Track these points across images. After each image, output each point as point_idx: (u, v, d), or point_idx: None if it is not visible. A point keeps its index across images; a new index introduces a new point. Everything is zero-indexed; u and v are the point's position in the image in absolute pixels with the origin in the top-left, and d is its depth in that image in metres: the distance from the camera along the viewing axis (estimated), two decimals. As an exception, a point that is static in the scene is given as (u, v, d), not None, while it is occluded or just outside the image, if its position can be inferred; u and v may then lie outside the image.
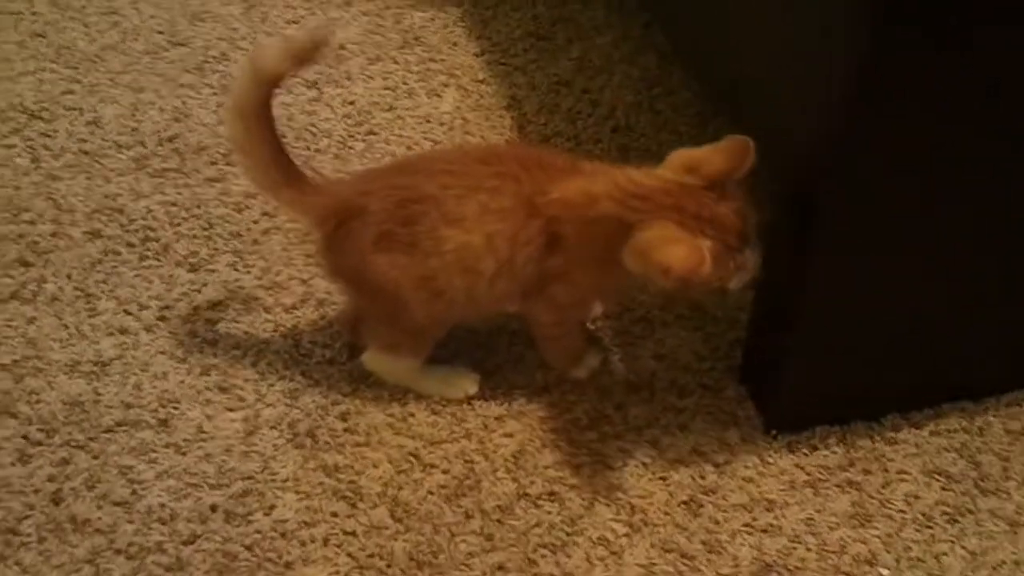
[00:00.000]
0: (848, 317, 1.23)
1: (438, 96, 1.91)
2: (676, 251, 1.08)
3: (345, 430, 1.33)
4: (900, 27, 0.98)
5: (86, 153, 1.78)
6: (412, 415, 1.35)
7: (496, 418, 1.35)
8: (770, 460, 1.30)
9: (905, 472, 1.30)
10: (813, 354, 1.28)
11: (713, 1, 1.45)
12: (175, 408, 1.35)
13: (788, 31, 1.18)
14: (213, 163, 1.75)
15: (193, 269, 1.56)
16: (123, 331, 1.46)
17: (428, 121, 1.85)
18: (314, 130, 1.83)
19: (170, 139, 1.80)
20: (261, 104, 1.24)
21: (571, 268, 1.23)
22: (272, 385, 1.38)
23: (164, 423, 1.34)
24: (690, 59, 1.73)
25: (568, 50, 2.00)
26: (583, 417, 1.35)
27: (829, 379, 1.31)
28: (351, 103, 1.89)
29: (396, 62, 1.99)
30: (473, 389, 1.37)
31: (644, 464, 1.29)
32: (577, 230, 1.20)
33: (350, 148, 1.79)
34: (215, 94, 1.91)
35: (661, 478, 1.28)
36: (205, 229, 1.63)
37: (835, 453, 1.32)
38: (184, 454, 1.30)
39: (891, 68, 1.00)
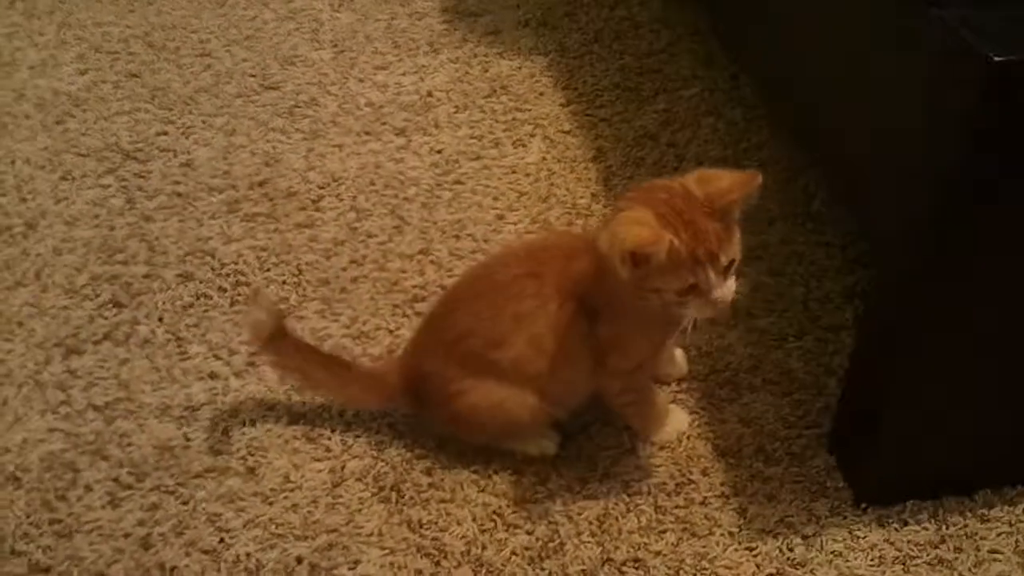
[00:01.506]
0: (942, 390, 1.20)
1: (524, 146, 1.92)
2: (636, 229, 1.09)
3: (430, 485, 1.33)
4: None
5: (179, 195, 1.81)
6: (496, 472, 1.35)
7: (580, 479, 1.34)
8: (859, 534, 1.28)
9: (998, 552, 1.27)
10: (906, 427, 1.25)
11: (811, 61, 1.44)
12: (263, 456, 1.37)
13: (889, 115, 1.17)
14: (302, 208, 1.78)
15: (282, 316, 1.57)
16: (213, 376, 1.48)
17: (514, 172, 1.85)
18: (402, 178, 1.84)
19: (261, 183, 1.83)
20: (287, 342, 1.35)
21: (616, 330, 1.26)
22: (358, 436, 1.39)
23: (252, 471, 1.35)
24: (780, 114, 1.73)
25: (654, 102, 2.00)
26: (668, 482, 1.34)
27: (921, 452, 1.28)
28: (438, 152, 1.91)
29: (483, 111, 2.01)
30: (552, 450, 1.37)
31: (731, 533, 1.28)
32: (604, 290, 1.22)
33: (437, 197, 1.81)
34: (305, 139, 1.94)
35: (748, 548, 1.26)
36: (294, 275, 1.65)
37: (926, 529, 1.29)
38: (271, 504, 1.31)
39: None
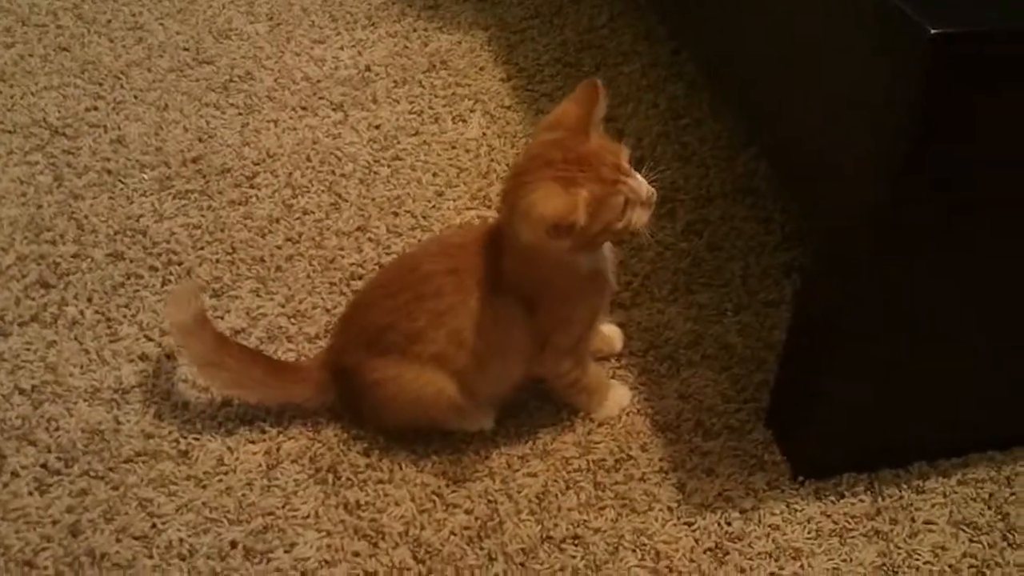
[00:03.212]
0: (878, 365, 1.21)
1: (464, 122, 1.89)
2: (551, 202, 1.10)
3: (367, 466, 1.31)
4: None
5: (109, 172, 1.77)
6: (435, 452, 1.33)
7: (520, 457, 1.33)
8: (797, 507, 1.28)
9: (932, 522, 1.28)
10: (842, 400, 1.25)
11: (751, 35, 1.43)
12: (196, 439, 1.34)
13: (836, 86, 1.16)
14: (237, 185, 1.74)
15: (216, 295, 1.55)
16: (144, 358, 1.44)
17: (454, 147, 1.83)
18: (339, 154, 1.81)
19: (194, 160, 1.79)
20: (207, 334, 1.31)
21: (556, 308, 1.26)
22: (294, 417, 1.37)
23: (184, 454, 1.32)
24: (721, 90, 1.72)
25: (595, 77, 1.98)
26: (608, 458, 1.33)
27: (858, 426, 1.29)
28: (377, 127, 1.88)
29: (422, 86, 1.98)
30: (489, 424, 1.36)
31: (670, 508, 1.27)
32: (535, 275, 1.22)
33: (375, 173, 1.78)
34: (239, 114, 1.90)
35: (687, 523, 1.26)
36: (228, 253, 1.61)
37: (862, 501, 1.29)
38: (204, 487, 1.29)
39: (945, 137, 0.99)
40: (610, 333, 1.47)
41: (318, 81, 1.99)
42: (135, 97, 1.95)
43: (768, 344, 1.48)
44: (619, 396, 1.39)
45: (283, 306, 1.53)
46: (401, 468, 1.31)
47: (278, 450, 1.33)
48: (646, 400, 1.41)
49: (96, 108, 1.92)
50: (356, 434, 1.35)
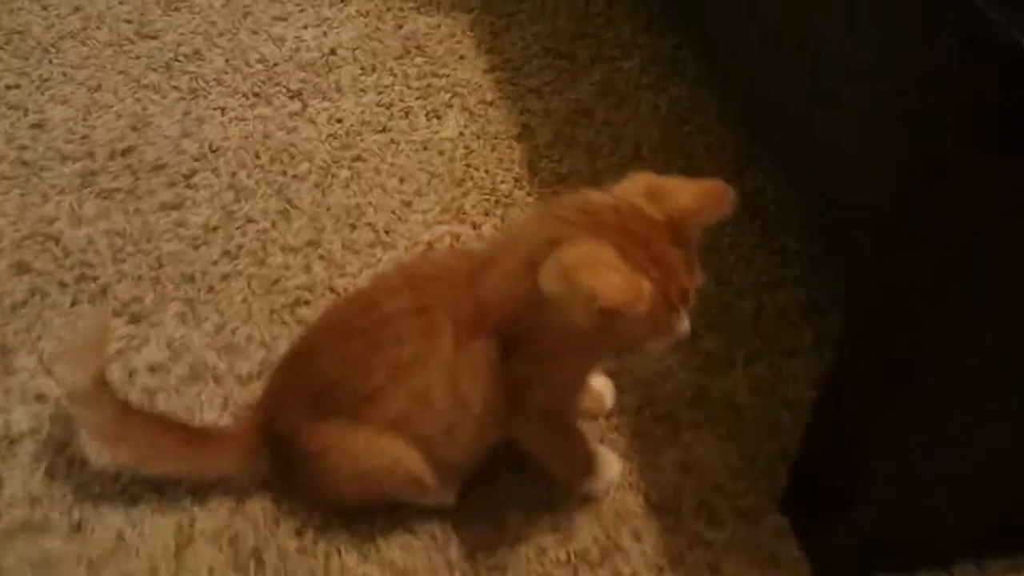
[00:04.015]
0: (932, 440, 0.98)
1: (439, 118, 1.65)
2: (610, 278, 0.88)
3: (298, 551, 1.08)
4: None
5: (24, 163, 1.53)
6: (382, 535, 1.10)
7: (485, 545, 1.10)
8: (817, 617, 1.06)
9: (979, 637, 1.06)
10: (883, 485, 1.03)
11: (771, 26, 1.20)
12: (93, 507, 1.11)
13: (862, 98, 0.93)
14: (171, 185, 1.50)
15: (134, 320, 1.31)
16: (40, 398, 1.21)
17: (426, 148, 1.59)
18: (294, 151, 1.57)
19: (124, 152, 1.55)
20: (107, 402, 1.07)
21: (540, 362, 1.02)
22: (215, 484, 1.13)
23: (77, 528, 1.09)
24: (730, 93, 1.49)
25: (590, 72, 1.75)
26: (592, 548, 1.10)
27: (898, 517, 1.06)
28: (339, 120, 1.64)
29: (393, 74, 1.74)
30: (450, 500, 1.13)
31: (665, 616, 1.05)
32: (527, 314, 0.98)
33: (333, 176, 1.54)
34: (182, 99, 1.66)
35: (684, 637, 1.04)
36: (153, 269, 1.38)
37: (897, 611, 1.07)
38: (97, 572, 1.05)
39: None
40: (600, 387, 1.24)
41: (275, 64, 1.75)
42: (64, 75, 1.70)
43: (785, 403, 1.26)
44: (608, 467, 1.16)
45: (212, 336, 1.29)
46: (340, 555, 1.08)
47: (191, 526, 1.10)
48: (640, 472, 1.18)
49: (18, 86, 1.67)
50: (288, 509, 1.12)
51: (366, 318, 1.05)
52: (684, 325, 0.98)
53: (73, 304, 1.33)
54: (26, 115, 1.61)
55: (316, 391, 1.05)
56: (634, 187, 0.99)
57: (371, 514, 1.11)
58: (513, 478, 1.16)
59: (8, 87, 1.66)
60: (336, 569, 1.07)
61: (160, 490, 1.12)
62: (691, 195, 0.96)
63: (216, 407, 1.22)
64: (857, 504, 1.05)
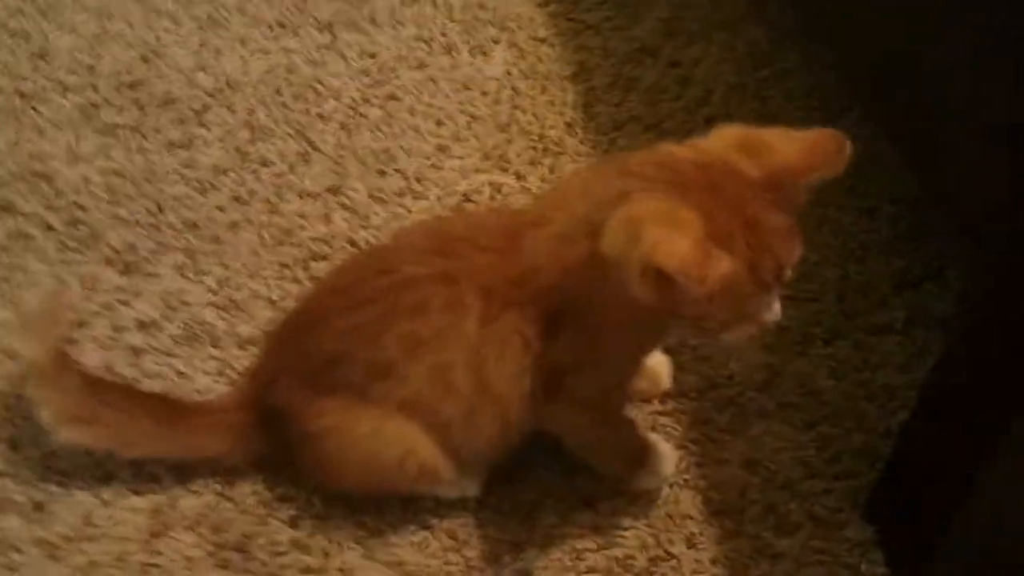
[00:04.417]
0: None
1: (484, 55, 1.47)
2: (676, 241, 0.72)
3: (292, 544, 0.93)
4: None
5: (22, 95, 1.38)
6: (392, 529, 0.94)
7: (512, 543, 0.95)
8: (907, 650, 0.88)
9: None
10: (1000, 497, 0.84)
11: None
12: (60, 484, 0.96)
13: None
14: (180, 122, 1.35)
15: (126, 271, 1.17)
16: (10, 354, 1.06)
17: (468, 88, 1.42)
18: (319, 88, 1.41)
19: (131, 85, 1.39)
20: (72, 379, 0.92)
21: (592, 345, 0.86)
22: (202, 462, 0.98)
23: (39, 507, 0.95)
24: (816, 30, 1.30)
25: (655, 8, 1.55)
26: (638, 555, 0.94)
27: (1003, 536, 0.87)
28: (372, 56, 1.47)
29: (435, 5, 1.56)
30: (473, 491, 0.98)
31: (722, 642, 0.88)
32: (579, 285, 0.83)
33: (362, 116, 1.37)
34: (200, 29, 1.50)
35: (746, 667, 0.87)
36: (152, 214, 1.23)
37: (1004, 645, 0.89)
38: (56, 560, 0.91)
39: None
40: (655, 365, 1.07)
41: (305, -8, 1.57)
42: (74, 1, 1.54)
43: (871, 392, 1.08)
44: (661, 461, 0.99)
45: (214, 292, 1.14)
46: (342, 551, 0.93)
47: (172, 508, 0.95)
48: (698, 467, 1.01)
49: (21, 12, 1.52)
50: (283, 493, 0.97)
51: (382, 282, 0.89)
52: (774, 310, 0.81)
53: (60, 250, 1.18)
54: (28, 43, 1.46)
55: (319, 362, 0.90)
56: (723, 140, 0.81)
57: (380, 504, 0.96)
58: (548, 468, 1.00)
59: (11, 13, 1.51)
60: (335, 568, 0.92)
61: (138, 466, 0.98)
62: (796, 148, 0.79)
63: (211, 372, 1.08)
64: (967, 524, 0.86)
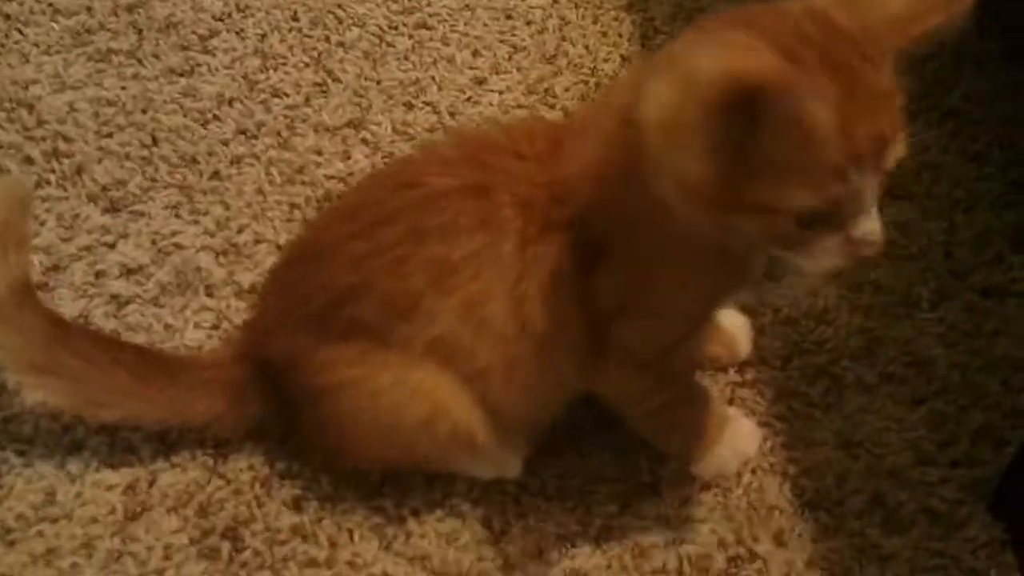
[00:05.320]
0: None
1: (528, -19, 1.30)
2: (754, 54, 0.57)
3: (294, 531, 0.77)
4: None
5: (6, 16, 1.22)
6: (415, 516, 0.78)
7: (560, 536, 0.78)
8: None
9: None
10: None
11: None
12: (21, 452, 0.81)
13: None
14: (183, 48, 1.18)
15: (113, 208, 1.01)
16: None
17: (509, 17, 1.25)
18: (341, 14, 1.24)
19: (129, 8, 1.23)
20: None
21: (642, 279, 0.71)
22: (187, 432, 0.81)
23: (-7, 479, 0.79)
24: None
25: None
26: (715, 554, 0.78)
27: None
28: (402, -22, 1.29)
29: (474, -70, 1.38)
30: (514, 471, 0.81)
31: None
32: (623, 194, 0.67)
33: (389, 45, 1.21)
34: (213, -54, 1.33)
35: None
36: (145, 147, 1.07)
37: None
38: (10, 545, 0.75)
39: None
40: (731, 327, 0.90)
41: (330, -88, 1.40)
42: (72, -81, 1.38)
43: (990, 363, 0.92)
44: (740, 440, 0.82)
45: (211, 235, 0.98)
46: (352, 540, 0.77)
47: (150, 486, 0.80)
48: (785, 449, 0.84)
49: (13, -70, 1.35)
50: (284, 469, 0.81)
51: (403, 198, 0.73)
52: (871, 222, 0.62)
53: (38, 185, 1.02)
54: (19, -38, 1.30)
55: (327, 301, 0.74)
56: None
57: (401, 483, 0.80)
58: (603, 446, 0.83)
59: (2, -69, 1.36)
60: (344, 561, 0.75)
61: (111, 433, 0.82)
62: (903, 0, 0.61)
63: (204, 325, 0.92)
64: None
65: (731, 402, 0.87)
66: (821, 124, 0.56)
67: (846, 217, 0.60)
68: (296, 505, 0.79)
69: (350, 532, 0.77)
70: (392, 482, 0.80)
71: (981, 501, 0.81)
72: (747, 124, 0.54)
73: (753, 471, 0.82)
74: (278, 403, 0.78)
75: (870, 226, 0.62)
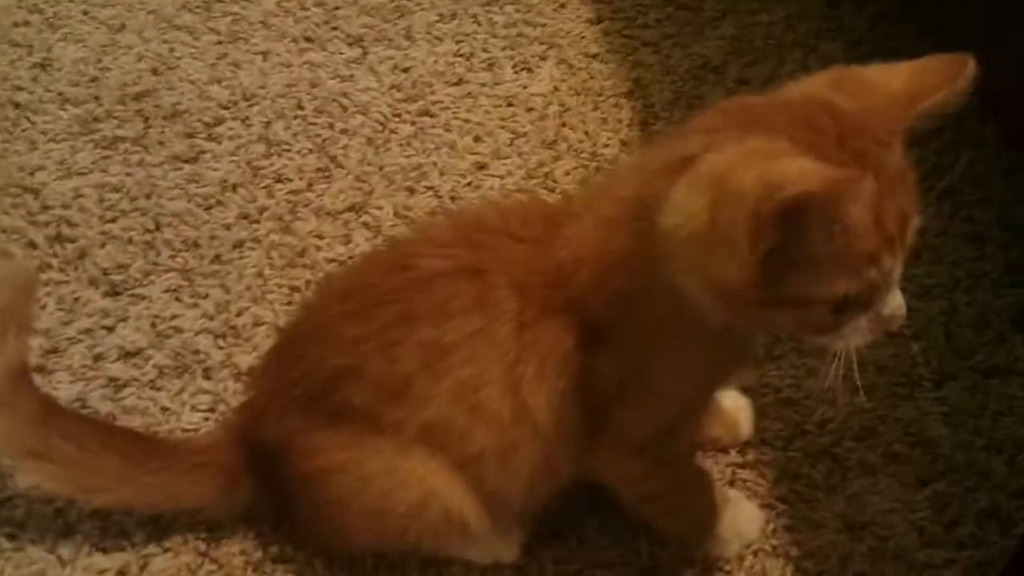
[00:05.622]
0: None
1: (529, 71, 1.33)
2: (795, 164, 0.56)
3: (287, 616, 0.75)
4: None
5: (17, 105, 1.25)
6: (408, 600, 0.76)
7: (558, 622, 0.75)
8: None
9: None
10: None
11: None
12: (9, 538, 0.80)
13: None
14: (188, 135, 1.20)
15: (114, 292, 1.02)
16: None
17: (511, 104, 1.26)
18: (345, 102, 1.26)
19: (137, 97, 1.25)
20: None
21: (637, 364, 0.69)
22: (178, 517, 0.81)
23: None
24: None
25: (719, 26, 1.40)
26: (716, 641, 0.74)
27: None
28: (405, 70, 1.32)
29: (477, 22, 1.41)
30: (510, 556, 0.80)
31: None
32: (627, 281, 0.67)
33: (392, 132, 1.22)
34: (218, 43, 1.36)
35: None
36: (148, 231, 1.08)
37: None
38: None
39: None
40: (733, 408, 0.89)
41: (336, 8, 1.44)
42: (84, 13, 1.42)
43: (994, 443, 0.91)
44: (742, 522, 0.81)
45: (211, 318, 0.99)
46: (345, 629, 0.74)
47: (141, 570, 0.80)
48: (788, 531, 0.83)
49: (27, 23, 1.39)
50: (277, 554, 0.79)
51: (397, 280, 0.73)
52: (897, 300, 0.62)
53: (40, 269, 1.03)
54: (30, 54, 1.33)
55: (319, 383, 0.73)
56: (808, 83, 0.64)
57: (396, 567, 0.79)
58: (601, 530, 0.82)
59: (16, 24, 1.39)
60: (337, 650, 0.73)
61: (104, 518, 0.81)
62: (903, 77, 0.62)
63: (201, 408, 0.92)
64: None
65: (732, 484, 0.85)
66: (861, 218, 0.56)
67: (876, 297, 0.61)
68: (288, 589, 0.78)
69: (343, 619, 0.76)
70: (386, 566, 0.79)
71: (988, 583, 0.80)
72: (791, 230, 0.54)
73: (755, 553, 0.81)
74: (271, 486, 0.77)
75: (896, 302, 0.62)
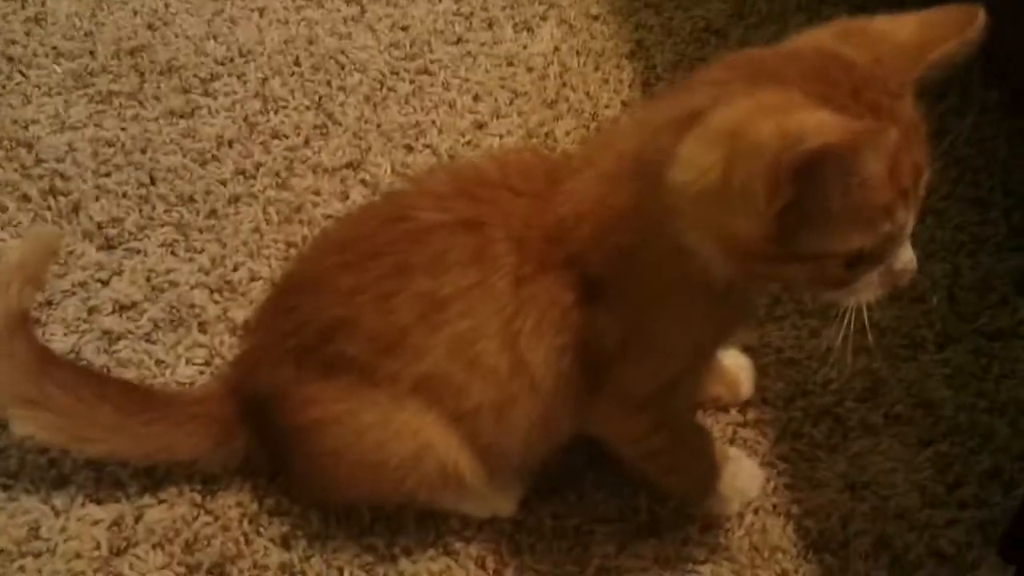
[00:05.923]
0: None
1: (530, 31, 1.31)
2: (813, 116, 0.54)
3: (283, 568, 0.74)
4: None
5: (9, 59, 1.23)
6: (406, 555, 0.76)
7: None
8: None
9: None
10: None
11: None
12: (6, 486, 0.79)
13: None
14: (184, 90, 1.19)
15: (108, 245, 1.01)
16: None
17: (511, 64, 1.25)
18: (343, 60, 1.24)
19: (132, 52, 1.24)
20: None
21: (637, 320, 0.69)
22: (173, 469, 0.80)
23: (-20, 515, 0.77)
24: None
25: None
26: (717, 597, 0.74)
27: None
28: (404, 28, 1.30)
29: (477, -19, 1.39)
30: (509, 510, 0.79)
31: None
32: (628, 238, 0.66)
33: (390, 89, 1.21)
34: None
35: None
36: (142, 185, 1.06)
37: None
38: (-9, 581, 0.73)
39: None
40: (734, 368, 0.88)
41: (334, -34, 1.42)
42: (79, -33, 1.39)
43: (997, 405, 0.90)
44: (742, 480, 0.81)
45: (206, 272, 0.98)
46: (342, 579, 0.74)
47: (136, 521, 0.78)
48: (789, 490, 0.82)
49: (20, -23, 1.36)
50: (273, 506, 0.79)
51: (393, 231, 0.71)
52: (908, 254, 0.61)
53: (33, 220, 1.02)
54: (24, 7, 1.31)
55: (313, 335, 0.72)
56: (819, 34, 0.63)
57: (392, 521, 0.78)
58: (601, 485, 0.81)
59: (9, -22, 1.37)
60: (334, 601, 0.73)
61: (98, 469, 0.81)
62: (911, 28, 0.61)
63: (197, 361, 0.91)
64: None
65: (732, 442, 0.85)
66: (878, 171, 0.55)
67: (888, 251, 0.60)
68: (285, 543, 0.77)
69: (340, 570, 0.75)
70: (383, 519, 0.78)
71: (990, 544, 0.79)
72: (808, 182, 0.53)
73: (756, 512, 0.80)
74: (266, 438, 0.76)
75: (908, 255, 0.61)
